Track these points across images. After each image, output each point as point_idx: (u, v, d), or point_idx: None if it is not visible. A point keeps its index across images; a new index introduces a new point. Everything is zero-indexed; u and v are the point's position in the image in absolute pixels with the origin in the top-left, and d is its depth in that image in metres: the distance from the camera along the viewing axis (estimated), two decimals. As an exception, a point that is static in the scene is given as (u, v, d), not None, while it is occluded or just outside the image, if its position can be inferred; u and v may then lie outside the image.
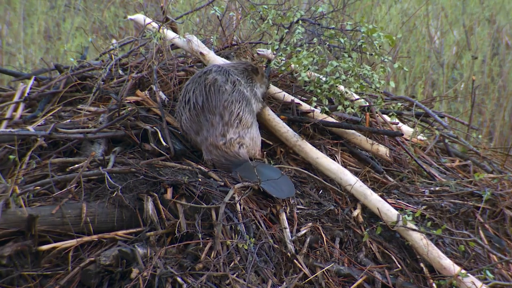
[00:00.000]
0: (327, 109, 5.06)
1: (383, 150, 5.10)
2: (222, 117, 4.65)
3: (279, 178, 4.47)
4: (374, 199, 4.51)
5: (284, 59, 5.17)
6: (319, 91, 5.07)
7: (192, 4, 6.57)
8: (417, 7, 8.93)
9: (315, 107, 5.11)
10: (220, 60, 5.30)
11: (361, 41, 5.03)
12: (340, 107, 5.06)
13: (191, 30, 6.03)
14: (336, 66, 4.98)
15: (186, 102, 4.75)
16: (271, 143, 5.03)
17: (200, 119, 4.68)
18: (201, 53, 5.35)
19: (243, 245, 4.05)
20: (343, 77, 5.00)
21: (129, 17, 5.90)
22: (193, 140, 4.76)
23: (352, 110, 5.06)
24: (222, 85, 4.72)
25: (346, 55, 5.05)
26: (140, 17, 5.74)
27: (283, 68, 5.17)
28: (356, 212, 4.54)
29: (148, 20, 5.58)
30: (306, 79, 5.01)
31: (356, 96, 5.36)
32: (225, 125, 4.65)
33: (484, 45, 8.77)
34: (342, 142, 5.17)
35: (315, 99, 5.06)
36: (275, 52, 5.23)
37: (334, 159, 4.97)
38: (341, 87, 5.19)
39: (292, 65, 5.12)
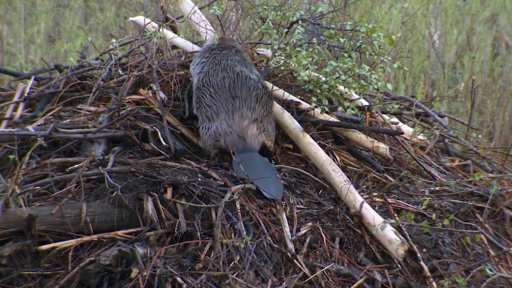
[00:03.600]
0: (327, 109, 5.06)
1: (383, 147, 5.10)
2: (248, 99, 4.76)
3: (271, 178, 4.49)
4: (306, 142, 4.83)
5: (283, 58, 5.16)
6: (318, 91, 5.07)
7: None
8: (417, 7, 8.93)
9: (316, 107, 5.12)
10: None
11: (361, 41, 5.02)
12: (340, 108, 5.06)
13: (191, 30, 6.02)
14: (335, 66, 4.98)
15: (210, 83, 4.84)
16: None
17: (227, 97, 4.77)
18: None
19: (239, 244, 4.05)
20: (343, 77, 5.00)
21: (130, 18, 5.91)
22: (210, 120, 4.77)
23: (352, 111, 5.06)
24: (248, 74, 4.87)
25: (346, 55, 5.05)
26: (140, 19, 5.75)
27: (282, 67, 5.16)
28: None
29: (148, 20, 5.58)
30: (306, 78, 5.01)
31: (356, 96, 5.36)
32: (250, 108, 4.75)
33: (484, 45, 8.77)
34: (342, 140, 5.17)
35: (314, 99, 5.06)
36: (273, 52, 5.22)
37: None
38: (341, 87, 5.19)
39: (292, 65, 5.12)
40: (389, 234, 4.28)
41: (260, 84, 4.88)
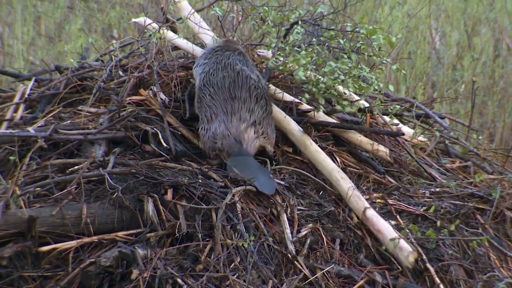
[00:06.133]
0: (323, 108, 5.06)
1: (383, 149, 5.09)
2: (247, 101, 4.76)
3: (265, 177, 4.52)
4: (313, 149, 4.79)
5: (282, 59, 5.16)
6: (315, 90, 5.07)
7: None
8: (419, 8, 8.93)
9: (315, 107, 5.11)
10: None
11: (360, 42, 5.02)
12: (338, 107, 5.05)
13: (191, 31, 6.01)
14: (334, 67, 4.98)
15: (210, 83, 4.84)
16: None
17: (226, 98, 4.76)
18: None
19: (242, 244, 4.05)
20: (342, 77, 5.00)
21: (133, 20, 5.90)
22: (209, 121, 4.78)
23: (351, 109, 5.05)
24: (249, 73, 4.85)
25: (345, 56, 5.04)
26: (143, 20, 5.74)
27: (280, 67, 5.16)
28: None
29: (148, 21, 5.58)
30: (303, 78, 5.01)
31: (356, 97, 5.35)
32: (249, 110, 4.75)
33: (486, 46, 8.77)
34: (342, 142, 5.17)
35: (307, 96, 5.06)
36: (272, 51, 5.22)
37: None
38: (340, 88, 5.19)
39: (290, 64, 5.11)
40: (400, 242, 4.28)
41: (260, 83, 4.88)
